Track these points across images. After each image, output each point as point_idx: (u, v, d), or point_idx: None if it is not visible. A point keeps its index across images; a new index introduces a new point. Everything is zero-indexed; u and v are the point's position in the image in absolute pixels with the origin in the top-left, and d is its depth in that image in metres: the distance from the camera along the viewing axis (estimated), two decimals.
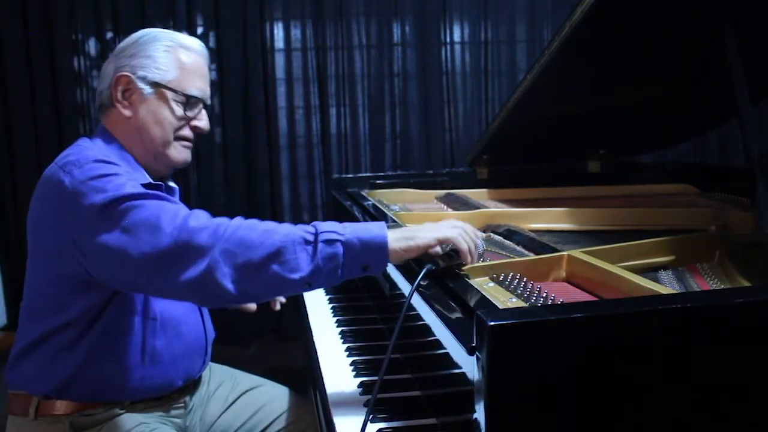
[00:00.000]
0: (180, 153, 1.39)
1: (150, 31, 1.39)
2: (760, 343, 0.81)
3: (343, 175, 2.38)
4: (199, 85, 1.38)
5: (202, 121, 1.40)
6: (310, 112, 3.37)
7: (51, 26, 3.15)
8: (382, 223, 1.10)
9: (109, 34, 3.22)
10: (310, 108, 3.37)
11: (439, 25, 3.37)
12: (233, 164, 3.36)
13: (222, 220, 1.10)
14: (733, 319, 0.81)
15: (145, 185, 1.25)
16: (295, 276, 1.05)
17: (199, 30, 3.27)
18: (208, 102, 1.42)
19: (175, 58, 1.35)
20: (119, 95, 1.33)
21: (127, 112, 1.34)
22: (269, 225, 1.09)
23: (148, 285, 1.16)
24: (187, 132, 1.39)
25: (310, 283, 1.07)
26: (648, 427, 0.79)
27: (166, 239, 1.08)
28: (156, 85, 1.33)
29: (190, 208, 1.16)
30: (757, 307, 0.82)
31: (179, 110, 1.36)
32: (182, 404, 1.44)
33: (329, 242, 1.05)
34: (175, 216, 1.11)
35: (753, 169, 1.30)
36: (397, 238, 1.08)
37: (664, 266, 1.27)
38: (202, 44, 1.42)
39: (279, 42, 3.33)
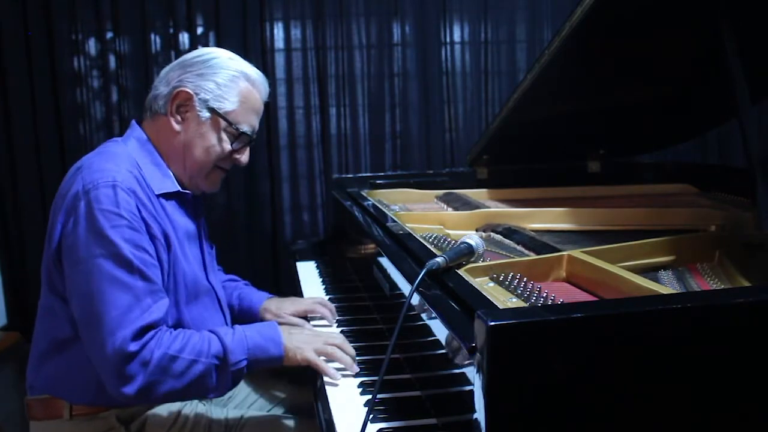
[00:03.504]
0: (212, 182, 1.43)
1: (221, 52, 1.41)
2: (760, 343, 0.81)
3: (343, 175, 2.38)
4: (253, 123, 1.42)
5: (244, 156, 1.44)
6: (310, 112, 3.36)
7: (51, 26, 3.14)
8: (279, 340, 1.28)
9: (109, 34, 3.21)
10: (310, 108, 3.36)
11: (439, 25, 3.37)
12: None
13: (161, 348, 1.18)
14: (733, 319, 0.81)
15: (173, 194, 1.33)
16: (212, 395, 1.26)
17: (199, 30, 3.27)
18: (254, 138, 1.44)
19: (238, 91, 1.38)
20: (174, 108, 1.35)
21: (177, 127, 1.36)
22: (192, 354, 1.20)
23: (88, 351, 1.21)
24: (226, 164, 1.42)
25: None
26: (648, 427, 0.79)
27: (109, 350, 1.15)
28: (214, 111, 1.35)
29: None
30: (757, 307, 0.81)
31: (227, 142, 1.38)
32: None
33: (239, 371, 1.25)
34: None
35: (753, 169, 1.30)
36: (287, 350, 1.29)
37: (664, 266, 1.27)
38: (265, 79, 1.44)
39: (279, 42, 3.32)
